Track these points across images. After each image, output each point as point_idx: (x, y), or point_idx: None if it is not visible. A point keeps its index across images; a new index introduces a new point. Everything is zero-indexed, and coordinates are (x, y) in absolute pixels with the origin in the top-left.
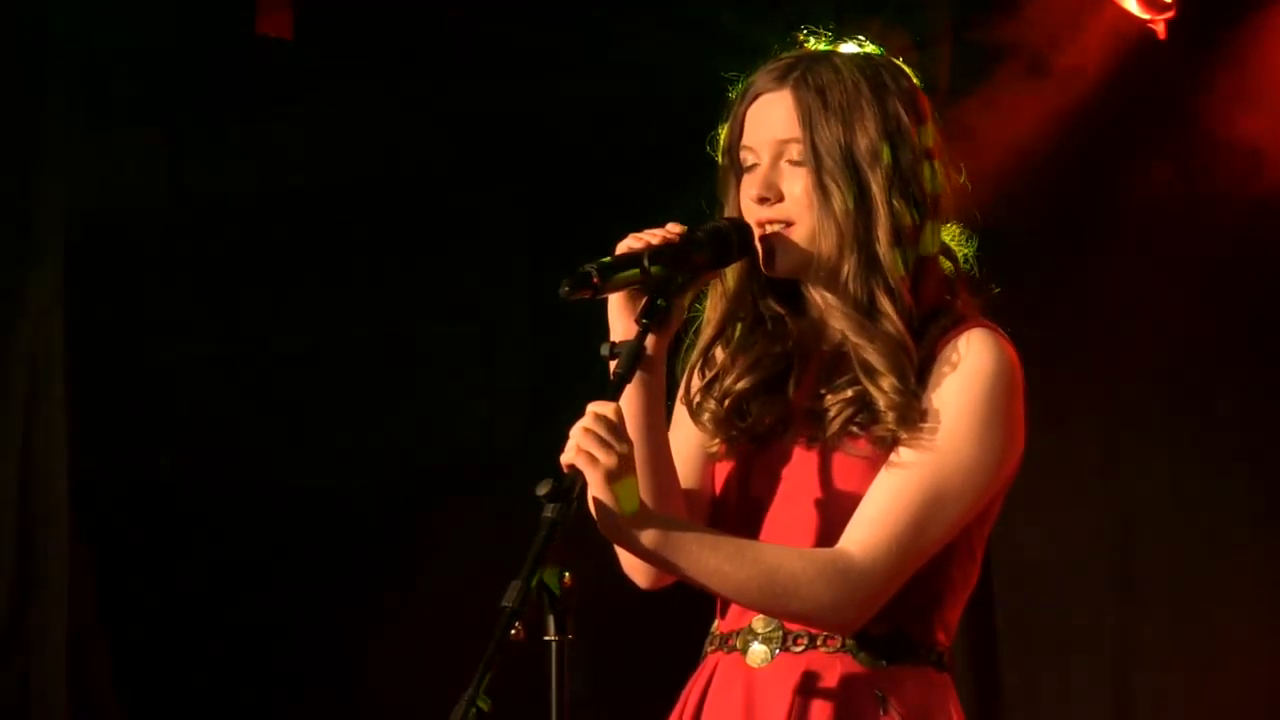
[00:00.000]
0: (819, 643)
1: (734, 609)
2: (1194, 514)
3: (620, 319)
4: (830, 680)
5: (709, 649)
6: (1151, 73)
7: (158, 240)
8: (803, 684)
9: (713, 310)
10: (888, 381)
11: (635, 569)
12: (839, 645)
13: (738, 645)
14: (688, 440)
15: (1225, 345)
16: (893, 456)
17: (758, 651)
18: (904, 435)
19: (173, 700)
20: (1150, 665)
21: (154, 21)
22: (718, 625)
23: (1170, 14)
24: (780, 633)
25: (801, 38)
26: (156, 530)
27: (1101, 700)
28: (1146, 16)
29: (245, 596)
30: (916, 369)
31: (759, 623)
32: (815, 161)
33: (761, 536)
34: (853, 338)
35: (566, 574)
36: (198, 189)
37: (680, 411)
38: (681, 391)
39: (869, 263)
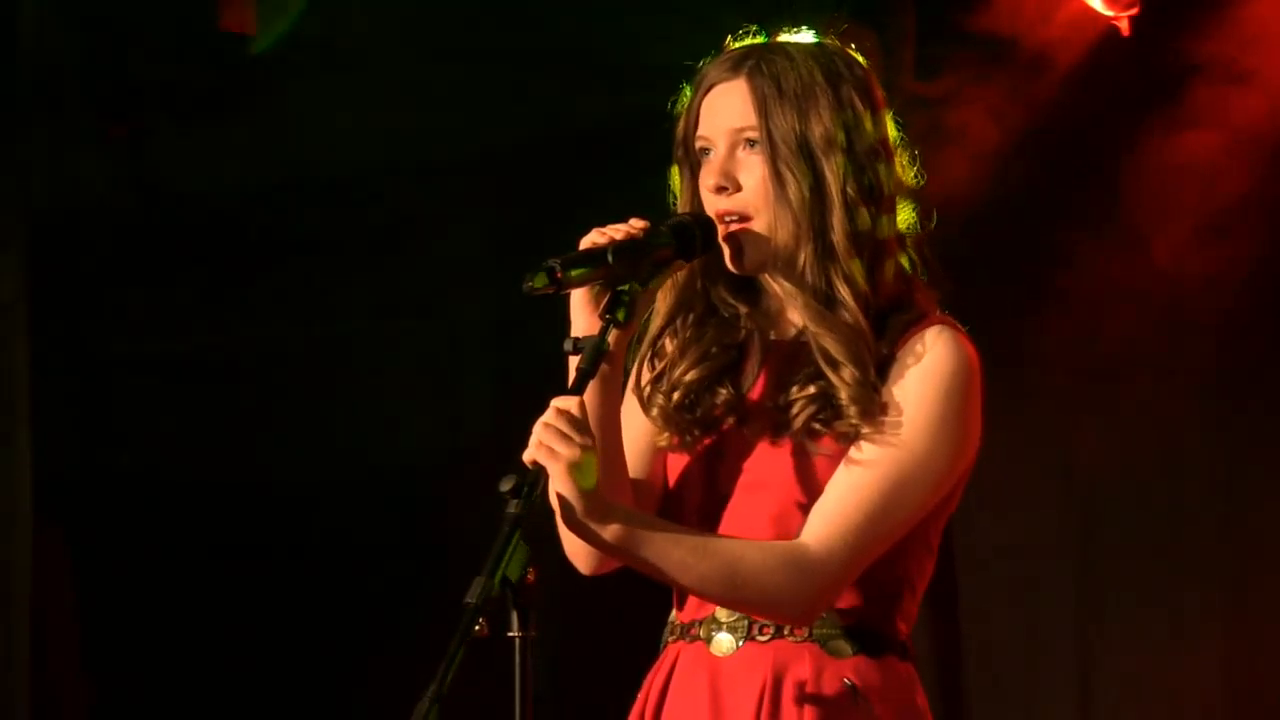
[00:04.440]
0: (786, 632)
1: (694, 598)
2: (1156, 507)
3: (582, 314)
4: (799, 670)
5: (669, 639)
6: (1116, 67)
7: (123, 237)
8: (772, 673)
9: (662, 301)
10: (848, 372)
11: (578, 554)
12: (806, 635)
13: (701, 634)
14: (638, 431)
15: (1187, 338)
16: (852, 451)
17: (723, 640)
18: (865, 430)
19: (141, 692)
20: (1115, 658)
21: (120, 17)
22: (676, 615)
23: (1135, 10)
24: (745, 622)
25: (755, 29)
26: (116, 526)
27: (1067, 696)
28: (1110, 13)
29: (207, 595)
30: (877, 362)
31: (723, 612)
32: (770, 149)
33: (723, 530)
34: (812, 326)
35: (530, 570)
36: (164, 186)
37: (630, 402)
38: (632, 382)
39: (825, 251)
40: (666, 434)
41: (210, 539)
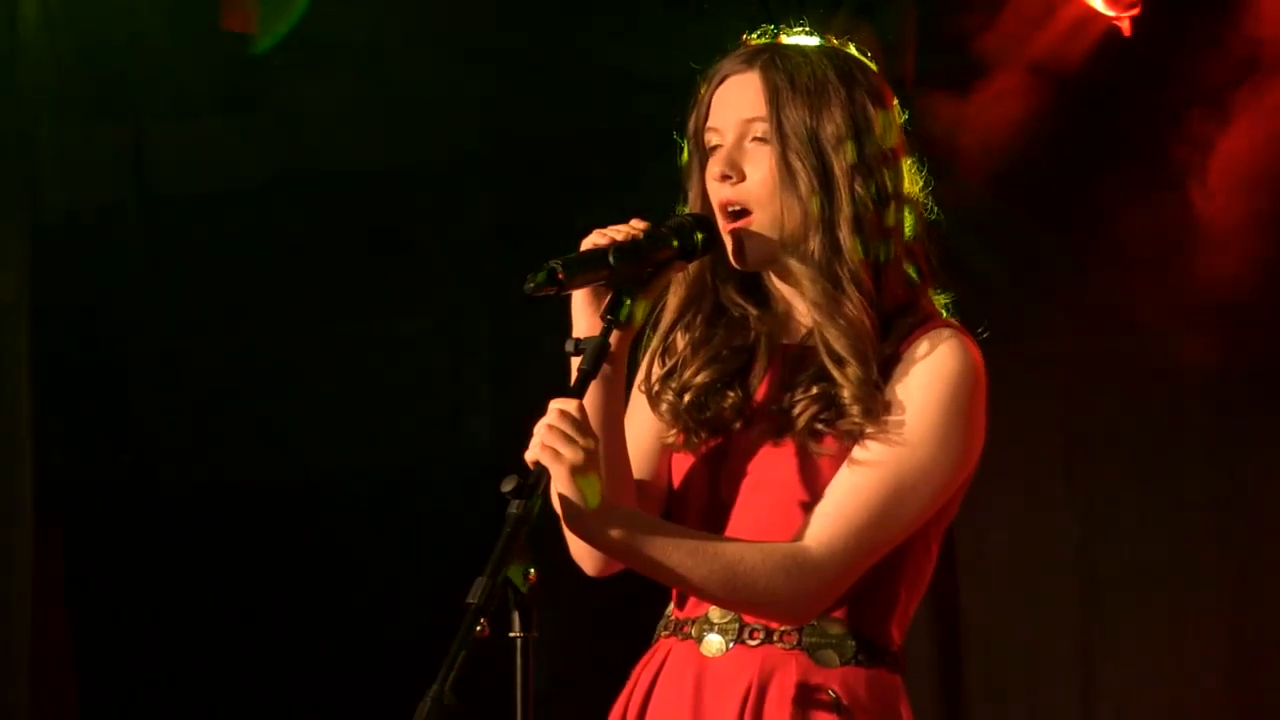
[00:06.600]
0: (775, 638)
1: (695, 597)
2: (1156, 513)
3: (584, 315)
4: (784, 677)
5: (662, 633)
6: (1117, 69)
7: (123, 237)
8: (757, 679)
9: (674, 296)
10: (852, 370)
11: (584, 556)
12: (795, 642)
13: (693, 633)
14: (644, 429)
15: (1190, 345)
16: (855, 453)
17: (713, 641)
18: (869, 430)
19: (133, 691)
20: (1116, 659)
21: (122, 19)
22: (674, 610)
23: (1136, 10)
24: (737, 625)
25: (770, 29)
26: (117, 526)
27: (1068, 697)
28: (1112, 14)
29: (207, 595)
30: (880, 362)
31: (715, 613)
32: (780, 141)
33: (726, 532)
34: (818, 315)
35: (531, 570)
36: (165, 187)
37: (637, 399)
38: (640, 378)
39: (832, 245)
40: (673, 432)
41: (209, 539)
